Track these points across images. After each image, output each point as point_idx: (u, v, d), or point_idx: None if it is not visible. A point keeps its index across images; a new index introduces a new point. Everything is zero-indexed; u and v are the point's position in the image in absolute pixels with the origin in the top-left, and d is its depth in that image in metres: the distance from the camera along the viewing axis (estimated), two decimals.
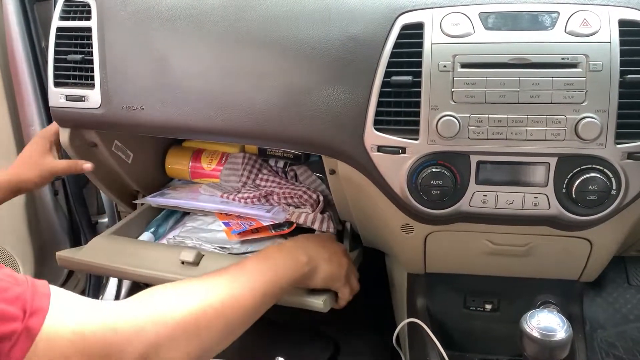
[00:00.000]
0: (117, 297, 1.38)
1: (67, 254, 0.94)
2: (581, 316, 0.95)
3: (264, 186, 1.10)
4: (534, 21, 0.69)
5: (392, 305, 1.17)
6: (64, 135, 0.94)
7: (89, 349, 0.55)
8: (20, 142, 1.16)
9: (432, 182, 0.71)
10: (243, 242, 0.99)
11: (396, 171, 0.73)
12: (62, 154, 1.00)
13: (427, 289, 0.98)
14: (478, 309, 0.97)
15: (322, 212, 1.02)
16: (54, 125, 0.97)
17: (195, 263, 0.89)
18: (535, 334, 0.67)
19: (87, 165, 0.98)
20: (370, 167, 0.75)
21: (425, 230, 0.83)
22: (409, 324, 0.95)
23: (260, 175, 1.12)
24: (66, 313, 0.55)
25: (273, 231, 1.00)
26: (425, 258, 0.89)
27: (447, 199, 0.72)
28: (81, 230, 1.30)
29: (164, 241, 1.04)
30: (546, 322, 0.68)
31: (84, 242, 1.30)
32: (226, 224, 1.01)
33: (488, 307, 0.96)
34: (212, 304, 0.67)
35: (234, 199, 1.06)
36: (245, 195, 1.06)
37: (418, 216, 0.77)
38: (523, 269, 0.89)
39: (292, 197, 1.04)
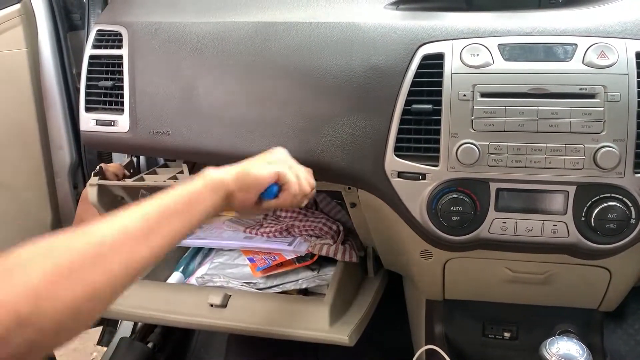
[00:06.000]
0: (133, 330, 1.39)
1: None
2: (601, 346, 0.94)
3: (284, 217, 1.11)
4: (552, 53, 0.71)
5: (410, 331, 1.17)
6: (93, 194, 0.98)
7: None
8: (49, 165, 1.20)
9: (451, 208, 0.72)
10: (269, 276, 1.01)
11: (416, 197, 0.75)
12: None
13: (446, 315, 0.98)
14: (497, 336, 0.96)
15: (343, 243, 1.03)
16: None
17: (223, 305, 0.92)
18: None
19: None
20: (391, 193, 0.76)
21: (444, 256, 0.84)
22: (427, 350, 0.95)
23: None
24: None
25: (297, 263, 1.02)
26: (444, 284, 0.90)
27: (467, 226, 0.73)
28: None
29: (193, 280, 1.06)
30: (566, 349, 0.68)
31: None
32: (251, 260, 1.04)
33: (507, 335, 0.96)
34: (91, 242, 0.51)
35: (257, 234, 1.08)
36: (267, 229, 1.07)
37: (437, 242, 0.78)
38: (542, 297, 0.89)
39: (312, 229, 1.05)
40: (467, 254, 0.80)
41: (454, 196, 0.72)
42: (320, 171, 0.82)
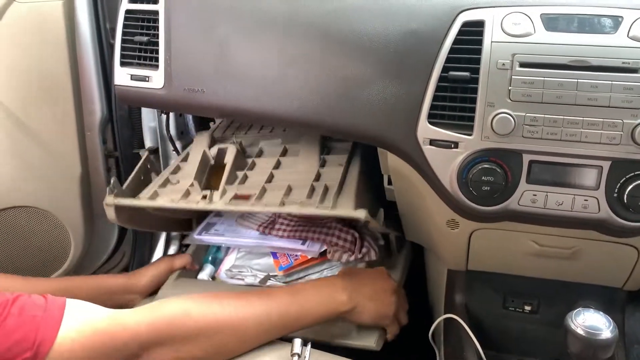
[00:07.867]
0: None
1: None
2: (622, 326, 0.94)
3: (297, 221, 1.10)
4: (596, 24, 0.69)
5: (428, 301, 1.18)
6: (110, 213, 1.02)
7: (99, 341, 0.67)
8: (80, 118, 1.21)
9: (482, 178, 0.72)
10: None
11: (447, 165, 0.74)
12: None
13: (467, 286, 0.98)
14: (517, 309, 0.97)
15: (361, 247, 1.03)
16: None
17: None
18: (580, 331, 0.68)
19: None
20: (422, 160, 0.76)
21: (471, 226, 0.84)
22: (446, 320, 0.96)
23: None
24: (79, 318, 0.66)
25: (319, 257, 1.04)
26: (468, 255, 0.90)
27: (497, 196, 0.73)
28: None
29: (222, 273, 1.09)
30: (592, 321, 0.68)
31: None
32: (274, 255, 1.06)
33: (527, 308, 0.96)
34: (209, 324, 0.74)
35: (269, 233, 1.08)
36: (280, 232, 1.07)
37: (465, 212, 0.78)
38: (566, 273, 0.89)
39: (324, 239, 1.05)
40: (494, 225, 0.80)
41: (485, 166, 0.72)
42: (351, 134, 0.82)
